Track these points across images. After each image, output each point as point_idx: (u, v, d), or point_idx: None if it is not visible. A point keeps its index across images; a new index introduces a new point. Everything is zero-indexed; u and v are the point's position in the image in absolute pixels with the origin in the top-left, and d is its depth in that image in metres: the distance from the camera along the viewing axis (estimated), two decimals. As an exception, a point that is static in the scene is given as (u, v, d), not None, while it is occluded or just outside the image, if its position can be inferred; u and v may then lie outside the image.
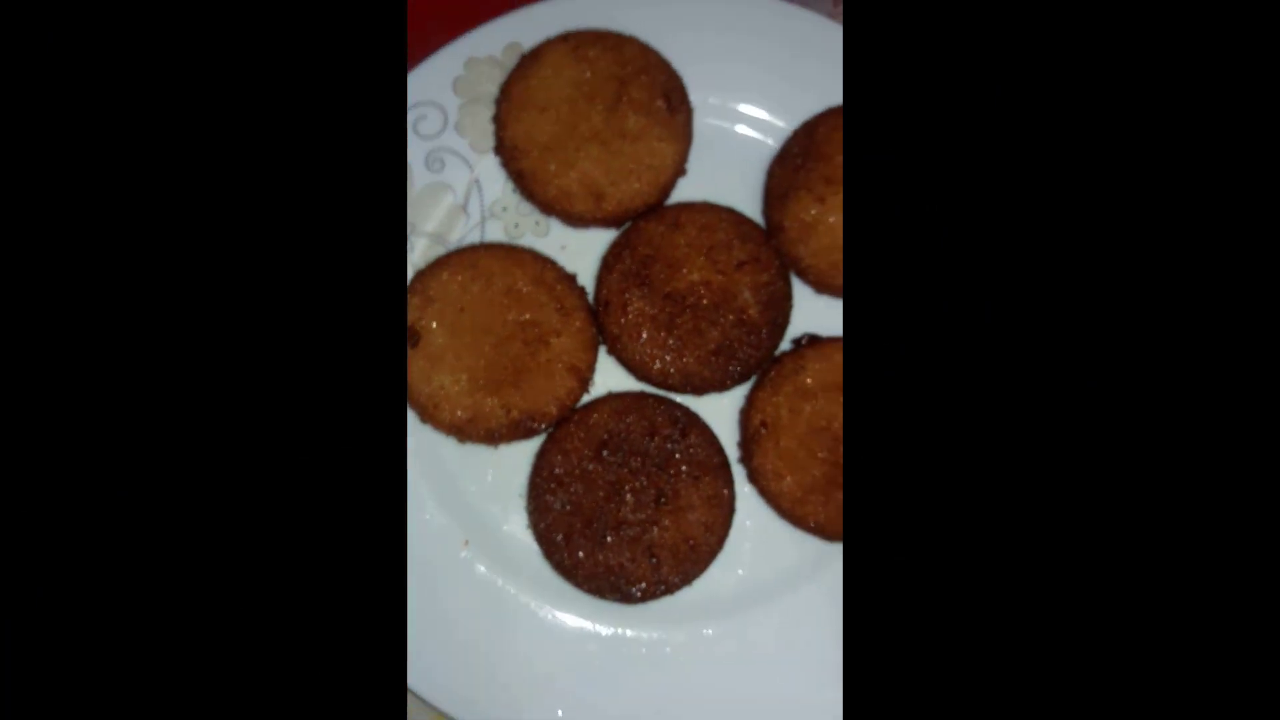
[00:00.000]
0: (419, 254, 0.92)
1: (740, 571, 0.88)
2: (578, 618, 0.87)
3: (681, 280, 0.87)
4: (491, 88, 0.92)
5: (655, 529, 0.83)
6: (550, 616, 0.87)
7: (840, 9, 0.99)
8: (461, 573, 0.87)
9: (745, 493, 0.88)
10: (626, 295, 0.87)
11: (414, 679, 0.83)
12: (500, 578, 0.88)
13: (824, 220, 0.87)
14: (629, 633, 0.87)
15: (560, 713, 0.84)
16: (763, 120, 0.94)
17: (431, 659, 0.84)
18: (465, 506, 0.89)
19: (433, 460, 0.89)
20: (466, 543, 0.88)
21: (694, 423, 0.87)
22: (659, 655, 0.86)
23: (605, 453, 0.85)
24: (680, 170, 0.91)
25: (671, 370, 0.87)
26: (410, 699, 0.86)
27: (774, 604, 0.87)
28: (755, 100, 0.94)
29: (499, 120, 0.90)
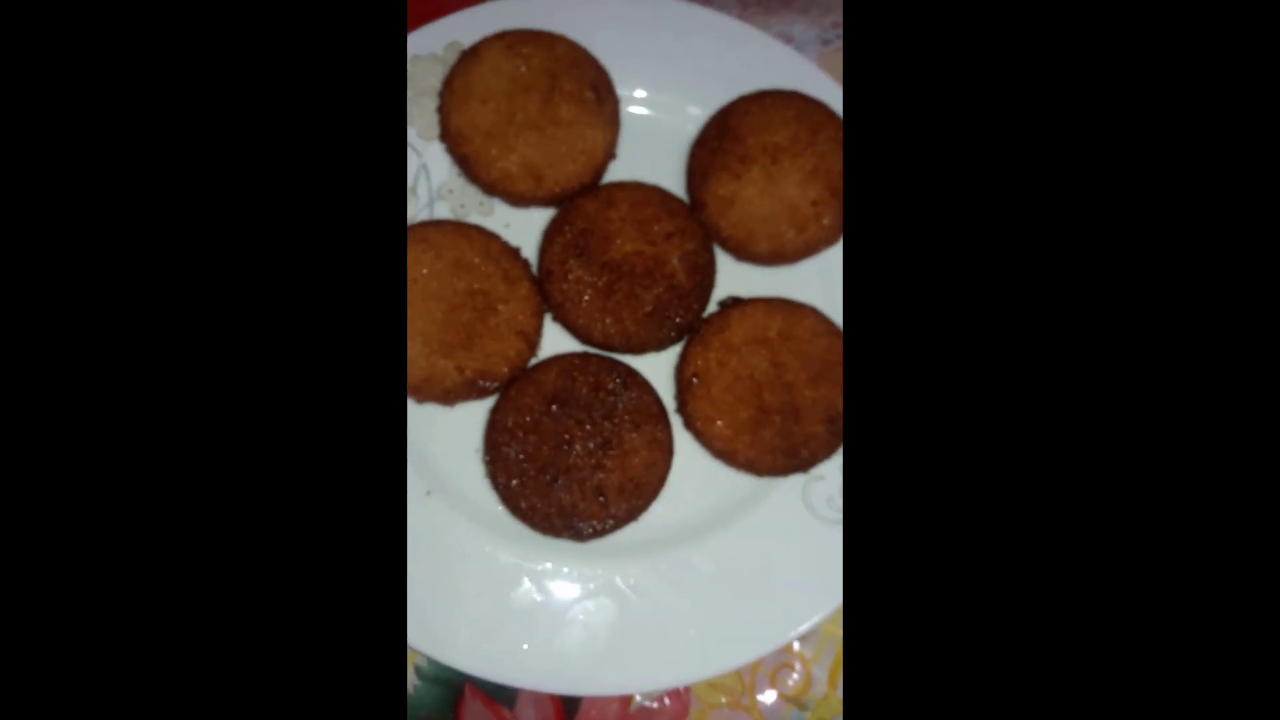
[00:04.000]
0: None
1: (682, 509, 0.97)
2: (537, 558, 0.94)
3: (616, 251, 0.96)
4: (435, 82, 1.01)
5: (602, 472, 0.91)
6: (510, 558, 0.93)
7: (748, 10, 1.11)
8: (425, 519, 0.93)
9: (682, 442, 0.96)
10: (567, 265, 0.96)
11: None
12: (462, 522, 0.94)
13: (740, 195, 0.97)
14: (586, 569, 0.94)
15: (525, 646, 0.90)
16: (682, 108, 1.05)
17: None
18: (426, 461, 0.96)
19: (393, 422, 0.95)
20: (429, 492, 0.95)
21: (634, 378, 0.95)
22: (614, 587, 0.93)
23: (554, 407, 0.93)
24: (610, 154, 1.00)
25: (611, 332, 0.95)
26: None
27: (714, 535, 0.95)
28: (674, 91, 1.05)
29: (443, 111, 0.98)
